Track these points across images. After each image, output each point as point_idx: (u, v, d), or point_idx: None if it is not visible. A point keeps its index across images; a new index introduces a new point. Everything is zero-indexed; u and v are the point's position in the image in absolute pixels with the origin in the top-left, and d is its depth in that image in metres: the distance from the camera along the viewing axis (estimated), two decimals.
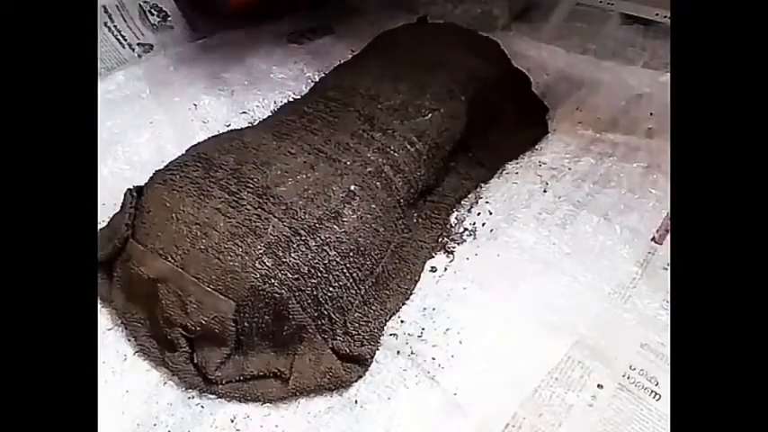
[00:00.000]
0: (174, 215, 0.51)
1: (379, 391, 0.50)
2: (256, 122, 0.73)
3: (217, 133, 0.64)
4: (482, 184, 0.69)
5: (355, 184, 0.55)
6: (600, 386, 0.49)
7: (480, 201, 0.67)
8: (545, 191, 0.68)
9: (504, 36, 0.93)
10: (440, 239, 0.62)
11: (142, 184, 0.56)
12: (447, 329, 0.54)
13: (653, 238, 0.62)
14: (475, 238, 0.63)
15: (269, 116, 0.72)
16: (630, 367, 0.51)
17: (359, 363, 0.50)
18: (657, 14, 0.96)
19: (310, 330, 0.50)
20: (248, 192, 0.52)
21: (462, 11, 0.97)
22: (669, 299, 0.55)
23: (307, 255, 0.50)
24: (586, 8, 1.01)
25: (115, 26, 0.87)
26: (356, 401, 0.49)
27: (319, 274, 0.50)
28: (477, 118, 0.68)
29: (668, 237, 0.62)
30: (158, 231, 0.51)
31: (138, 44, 0.88)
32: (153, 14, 0.91)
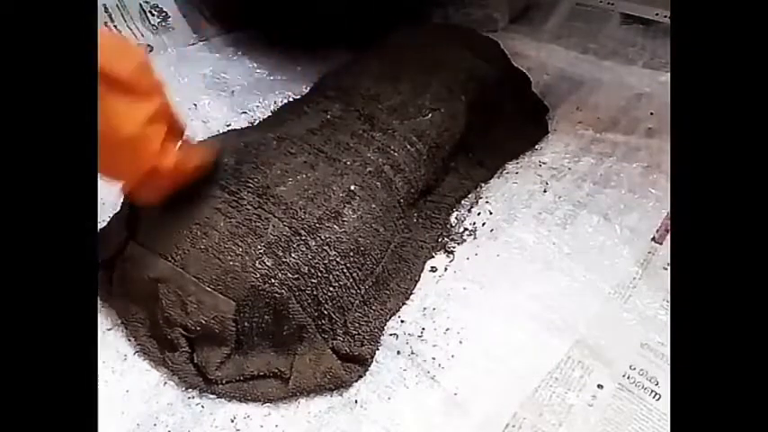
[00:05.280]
0: (173, 215, 0.51)
1: (379, 391, 0.50)
2: (256, 122, 0.73)
3: (217, 133, 0.64)
4: (482, 184, 0.69)
5: (355, 184, 0.55)
6: (600, 386, 0.49)
7: (480, 201, 0.67)
8: (545, 191, 0.68)
9: (504, 36, 0.93)
10: (440, 239, 0.62)
11: None
12: (447, 329, 0.54)
13: (653, 238, 0.62)
14: (475, 238, 0.63)
15: (269, 116, 0.72)
16: (630, 367, 0.51)
17: (359, 363, 0.50)
18: (657, 14, 0.96)
19: (310, 330, 0.50)
20: (248, 192, 0.52)
21: (462, 14, 0.98)
22: (669, 299, 0.55)
23: (307, 255, 0.50)
24: (586, 8, 1.01)
25: (115, 26, 0.87)
26: (356, 401, 0.49)
27: (319, 274, 0.50)
28: (477, 118, 0.68)
29: (668, 237, 0.62)
30: (158, 231, 0.51)
31: (138, 45, 0.88)
32: (153, 15, 0.91)
